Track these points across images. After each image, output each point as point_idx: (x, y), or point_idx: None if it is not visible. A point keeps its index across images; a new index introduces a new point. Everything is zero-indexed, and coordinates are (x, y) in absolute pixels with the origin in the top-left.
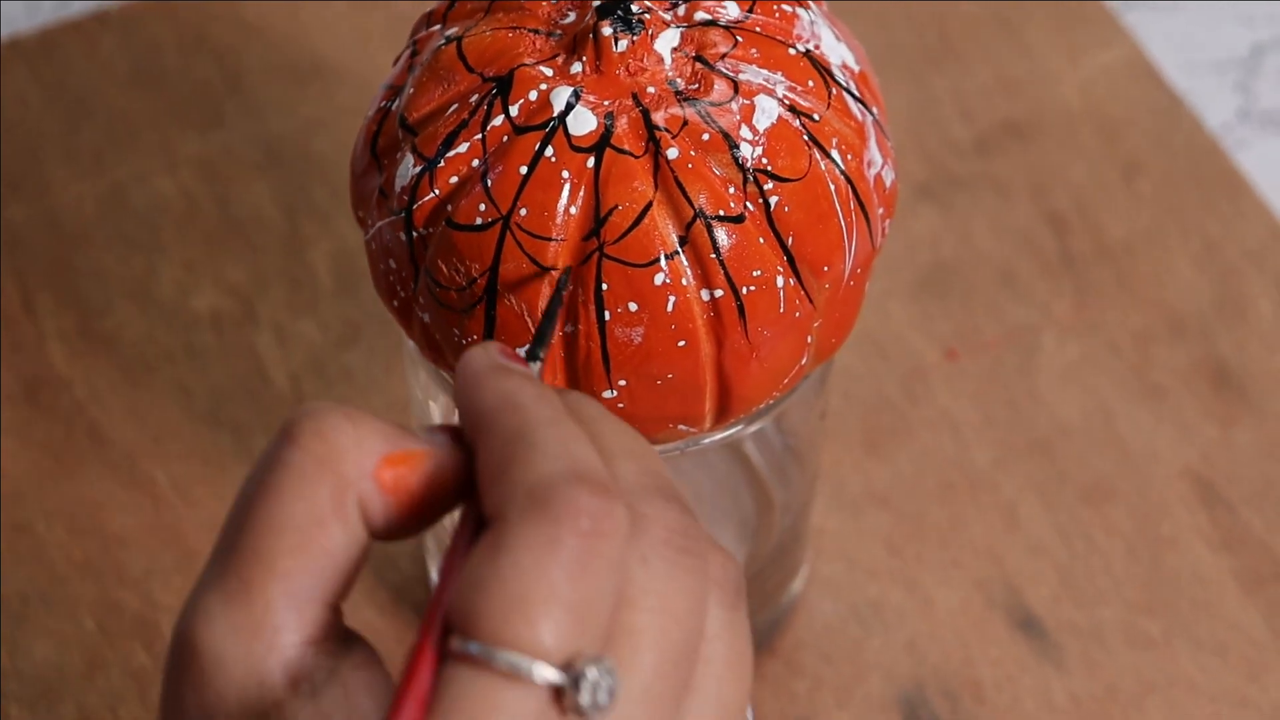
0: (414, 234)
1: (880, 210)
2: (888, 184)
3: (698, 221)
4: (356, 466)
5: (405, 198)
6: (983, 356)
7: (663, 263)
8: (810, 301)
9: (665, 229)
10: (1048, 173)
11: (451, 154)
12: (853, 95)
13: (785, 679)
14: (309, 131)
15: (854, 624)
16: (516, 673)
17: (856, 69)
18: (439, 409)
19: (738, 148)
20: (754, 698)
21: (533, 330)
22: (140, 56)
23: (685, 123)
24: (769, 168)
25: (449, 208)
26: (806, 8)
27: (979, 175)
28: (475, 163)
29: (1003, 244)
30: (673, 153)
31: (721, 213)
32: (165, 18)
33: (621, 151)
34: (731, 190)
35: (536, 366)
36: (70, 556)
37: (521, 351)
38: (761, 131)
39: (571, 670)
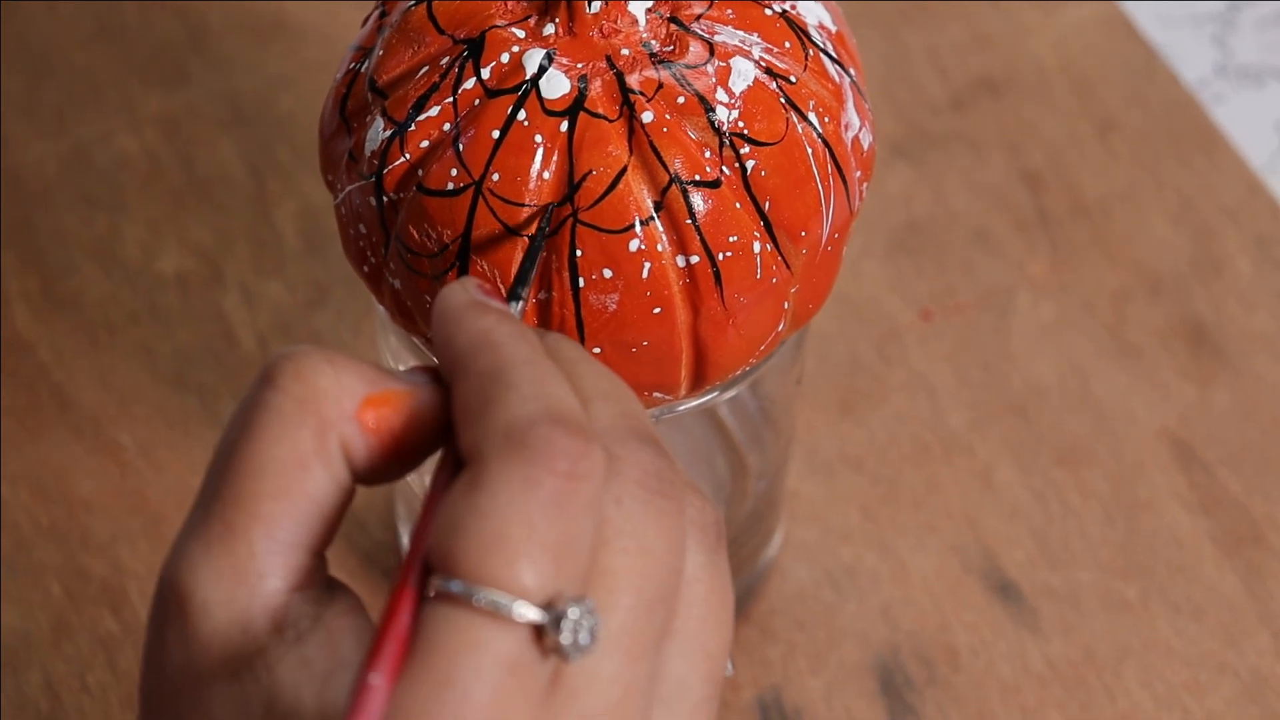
0: (384, 199)
1: (858, 174)
2: (865, 146)
3: (673, 187)
4: (338, 407)
5: (375, 162)
6: (957, 317)
7: (638, 229)
8: (787, 267)
9: (640, 194)
10: (1022, 130)
11: (422, 118)
12: (830, 57)
13: (759, 646)
14: (274, 89)
15: (828, 589)
16: (497, 611)
17: (834, 29)
18: None
19: (714, 111)
20: (730, 657)
21: (505, 292)
22: (102, 13)
23: (660, 86)
24: (745, 131)
25: (420, 172)
26: None
27: (953, 133)
28: (446, 126)
29: (977, 203)
30: (648, 116)
31: (697, 177)
32: None
33: (595, 115)
34: (707, 154)
35: (517, 307)
36: (36, 522)
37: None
38: (738, 94)
39: (553, 610)
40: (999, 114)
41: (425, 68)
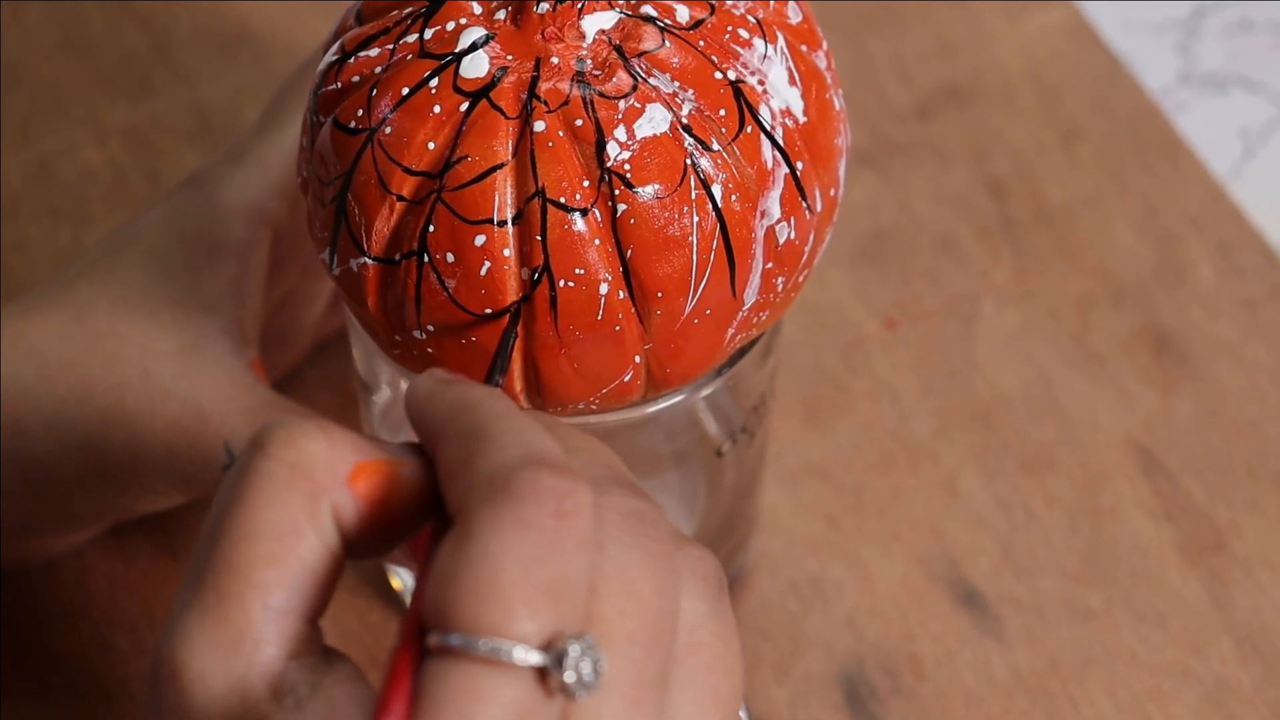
0: (315, 118)
1: (767, 265)
2: (781, 240)
3: (536, 199)
4: (330, 473)
5: (317, 80)
6: (922, 325)
7: (489, 227)
8: (639, 320)
9: (505, 196)
10: (987, 137)
11: (364, 54)
12: (774, 141)
13: None
14: (239, 99)
15: (793, 599)
16: (497, 658)
17: (802, 120)
18: None
19: (605, 145)
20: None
21: (365, 241)
22: (67, 24)
23: (566, 102)
24: (628, 175)
25: (340, 102)
26: (772, 42)
27: (918, 140)
28: (378, 70)
29: (942, 210)
30: (540, 125)
31: (563, 200)
32: None
33: (495, 107)
34: (585, 184)
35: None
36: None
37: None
38: (639, 138)
39: (554, 649)
40: (964, 122)
41: (394, 11)
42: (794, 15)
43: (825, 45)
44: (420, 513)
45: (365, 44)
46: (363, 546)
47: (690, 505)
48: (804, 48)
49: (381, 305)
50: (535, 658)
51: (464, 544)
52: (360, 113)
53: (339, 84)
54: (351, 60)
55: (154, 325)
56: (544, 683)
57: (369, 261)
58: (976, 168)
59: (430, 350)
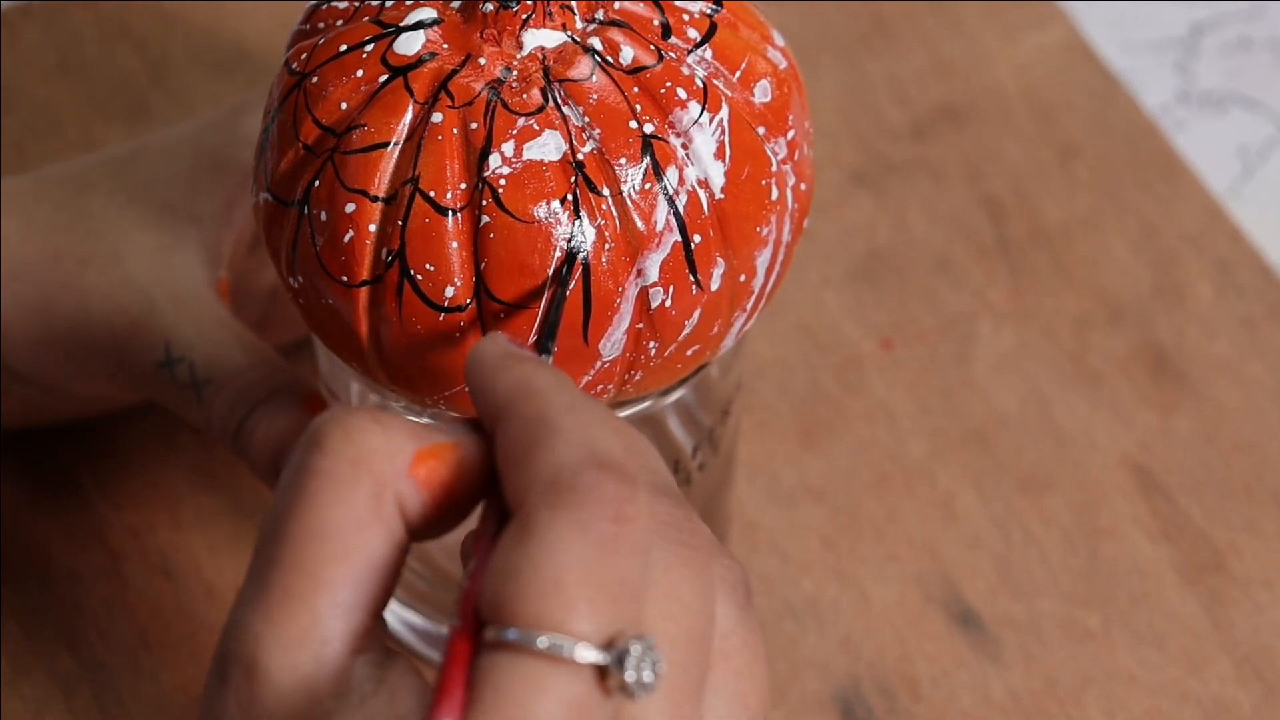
0: (290, 66)
1: (638, 325)
2: (654, 304)
3: (408, 186)
4: (391, 465)
5: (299, 17)
6: (918, 345)
7: (362, 198)
8: (482, 331)
9: (385, 175)
10: (984, 157)
11: (335, 4)
12: (672, 205)
13: None
14: None
15: (789, 620)
16: (558, 654)
17: (719, 196)
18: None
19: (489, 155)
20: None
21: (269, 178)
22: (63, 48)
23: (470, 102)
24: (499, 192)
25: (296, 46)
26: (712, 110)
27: (914, 160)
28: (338, 22)
29: (939, 230)
30: (437, 117)
31: (433, 194)
32: (88, 9)
33: (407, 88)
34: (462, 186)
35: (547, 360)
36: None
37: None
38: (524, 159)
39: (615, 648)
40: (960, 141)
41: None
42: (761, 95)
43: (792, 134)
44: (479, 490)
45: None
46: (426, 530)
47: None
48: (760, 129)
49: (271, 244)
50: (595, 656)
51: (525, 541)
52: (304, 57)
53: (307, 25)
54: (324, 7)
55: (140, 219)
56: (602, 682)
57: (268, 198)
58: (973, 187)
59: (301, 301)
